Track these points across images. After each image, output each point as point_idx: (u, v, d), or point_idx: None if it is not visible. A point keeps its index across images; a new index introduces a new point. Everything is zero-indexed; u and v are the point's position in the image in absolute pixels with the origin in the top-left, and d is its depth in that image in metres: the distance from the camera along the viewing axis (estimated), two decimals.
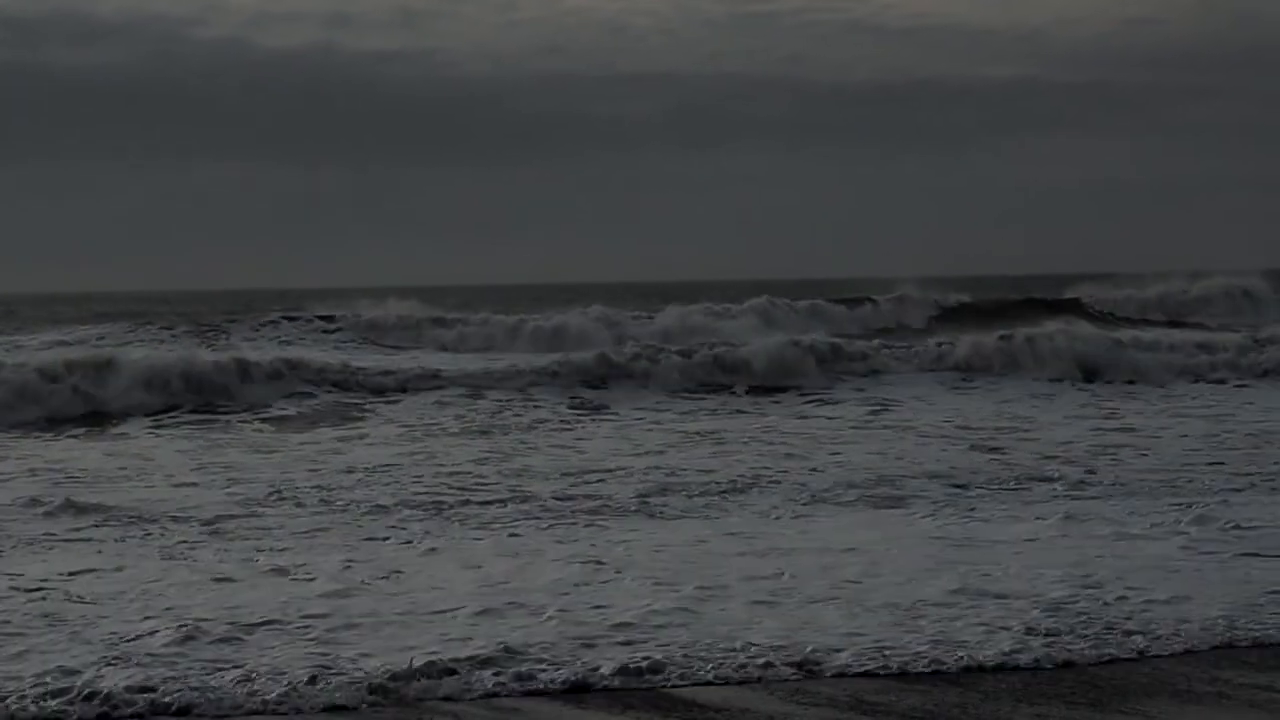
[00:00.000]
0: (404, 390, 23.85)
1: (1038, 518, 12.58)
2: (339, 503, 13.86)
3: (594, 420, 21.54)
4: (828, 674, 7.98)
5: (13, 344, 31.63)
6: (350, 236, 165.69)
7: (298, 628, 8.88)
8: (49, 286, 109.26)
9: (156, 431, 20.24)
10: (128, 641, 8.54)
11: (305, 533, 12.34)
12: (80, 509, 13.25)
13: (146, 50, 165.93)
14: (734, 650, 8.30)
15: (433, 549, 11.55)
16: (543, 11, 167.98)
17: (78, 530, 12.43)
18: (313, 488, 14.70)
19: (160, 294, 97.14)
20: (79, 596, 9.78)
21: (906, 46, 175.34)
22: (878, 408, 22.88)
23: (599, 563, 10.81)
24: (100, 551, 11.51)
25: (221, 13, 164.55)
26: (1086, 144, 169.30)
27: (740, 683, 7.87)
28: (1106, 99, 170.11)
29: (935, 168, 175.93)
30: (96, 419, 21.22)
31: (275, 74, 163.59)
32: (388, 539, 12.08)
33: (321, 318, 35.08)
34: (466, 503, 13.85)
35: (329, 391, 23.63)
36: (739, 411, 22.53)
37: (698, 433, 19.64)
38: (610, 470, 15.93)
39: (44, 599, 9.70)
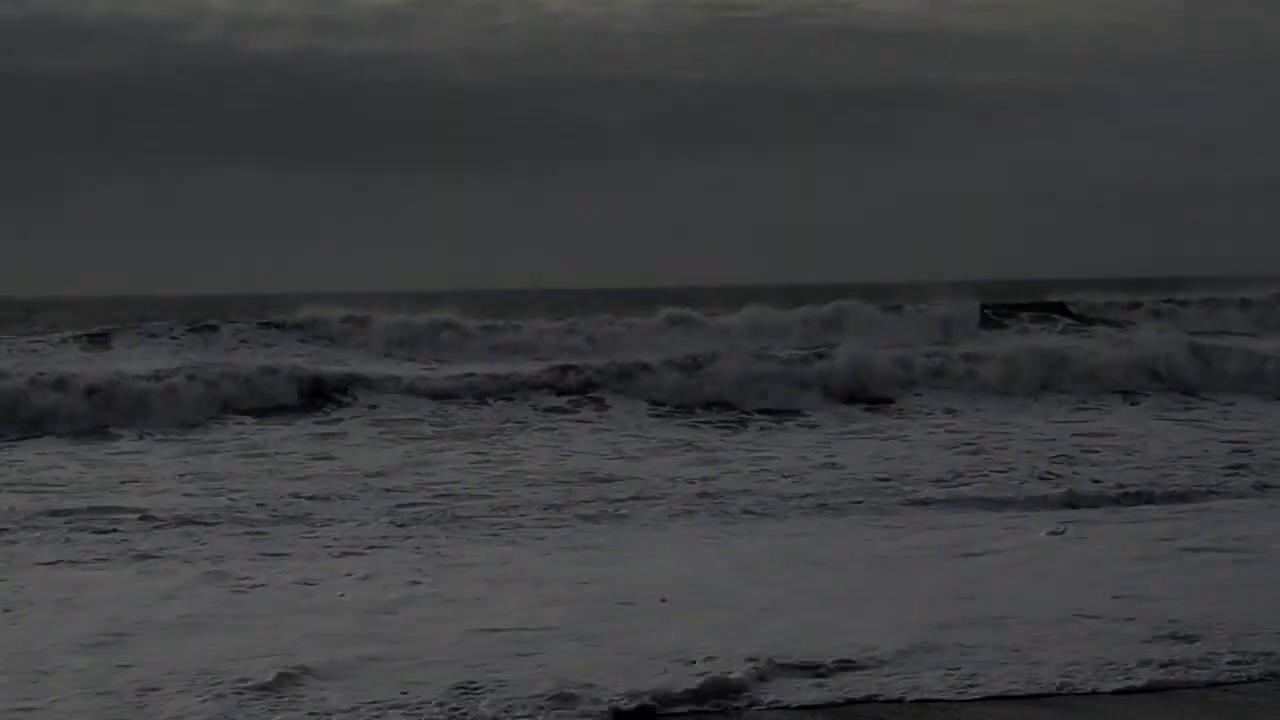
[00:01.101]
0: (390, 396, 23.83)
1: (1028, 532, 12.56)
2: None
3: (584, 427, 21.56)
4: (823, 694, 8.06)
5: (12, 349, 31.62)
6: (334, 241, 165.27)
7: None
8: (33, 291, 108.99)
9: (144, 440, 20.19)
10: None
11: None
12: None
13: (129, 55, 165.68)
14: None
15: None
16: (525, 16, 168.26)
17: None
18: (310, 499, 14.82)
19: (145, 298, 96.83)
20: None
21: (891, 51, 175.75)
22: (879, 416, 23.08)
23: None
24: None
25: (205, 17, 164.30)
26: (1072, 150, 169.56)
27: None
28: (1093, 105, 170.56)
29: (921, 172, 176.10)
30: (86, 427, 21.15)
31: (259, 78, 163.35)
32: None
33: (301, 323, 34.72)
34: (455, 515, 13.97)
35: (320, 399, 23.59)
36: (727, 414, 22.57)
37: (680, 440, 19.71)
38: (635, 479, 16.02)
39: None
